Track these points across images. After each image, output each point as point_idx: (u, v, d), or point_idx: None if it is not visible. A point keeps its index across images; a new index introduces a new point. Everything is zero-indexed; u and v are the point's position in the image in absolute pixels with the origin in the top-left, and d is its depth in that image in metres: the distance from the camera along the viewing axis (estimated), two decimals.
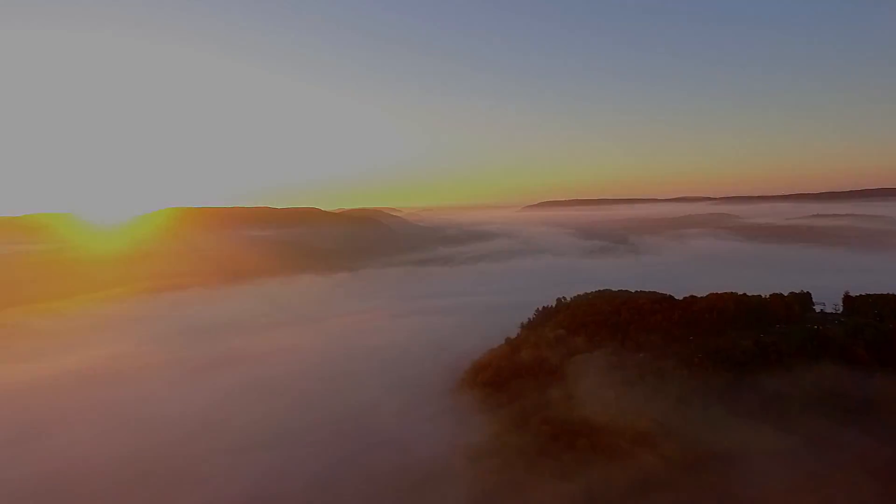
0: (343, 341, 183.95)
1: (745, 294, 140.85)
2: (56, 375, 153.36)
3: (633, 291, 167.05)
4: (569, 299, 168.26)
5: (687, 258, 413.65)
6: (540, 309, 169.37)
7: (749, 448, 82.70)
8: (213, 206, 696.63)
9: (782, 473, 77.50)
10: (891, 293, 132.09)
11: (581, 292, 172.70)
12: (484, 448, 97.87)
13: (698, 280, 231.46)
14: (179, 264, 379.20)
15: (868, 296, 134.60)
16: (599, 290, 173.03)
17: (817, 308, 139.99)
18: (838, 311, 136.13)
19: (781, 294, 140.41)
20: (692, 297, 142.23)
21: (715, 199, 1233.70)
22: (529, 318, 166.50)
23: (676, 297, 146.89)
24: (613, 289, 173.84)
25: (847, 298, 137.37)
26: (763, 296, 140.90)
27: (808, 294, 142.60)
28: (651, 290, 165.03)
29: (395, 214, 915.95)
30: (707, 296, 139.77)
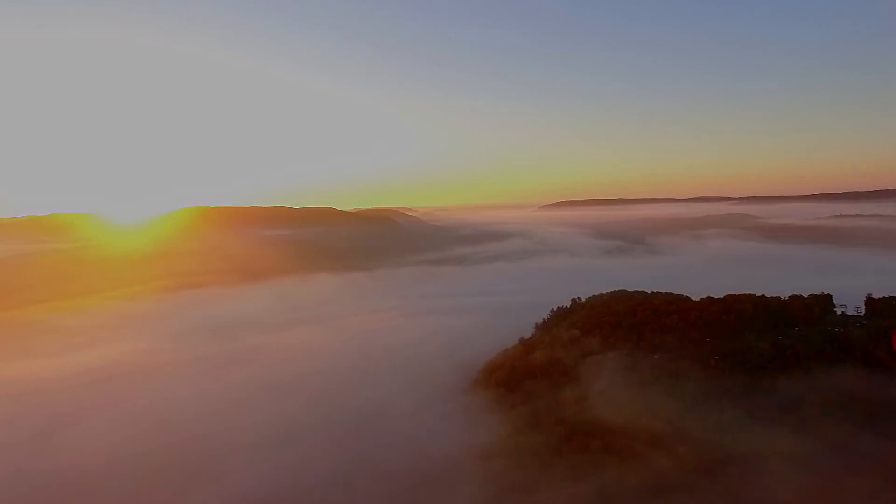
0: (357, 340, 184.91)
1: (763, 295, 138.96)
2: (77, 371, 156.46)
3: (648, 292, 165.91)
4: (584, 300, 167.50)
5: (705, 259, 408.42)
6: (555, 309, 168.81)
7: (766, 452, 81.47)
8: (231, 206, 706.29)
9: (799, 478, 76.21)
10: None
11: (596, 293, 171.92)
12: (497, 448, 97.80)
13: (716, 281, 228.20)
14: (197, 263, 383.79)
15: (891, 298, 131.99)
16: (615, 291, 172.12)
17: (838, 310, 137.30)
18: (860, 314, 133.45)
19: (801, 296, 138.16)
20: (709, 298, 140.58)
21: (734, 199, 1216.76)
22: (544, 319, 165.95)
23: (693, 299, 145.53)
24: (629, 289, 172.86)
25: (869, 300, 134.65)
26: (782, 297, 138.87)
27: (829, 296, 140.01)
28: (667, 291, 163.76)
29: (410, 214, 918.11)
30: (724, 297, 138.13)
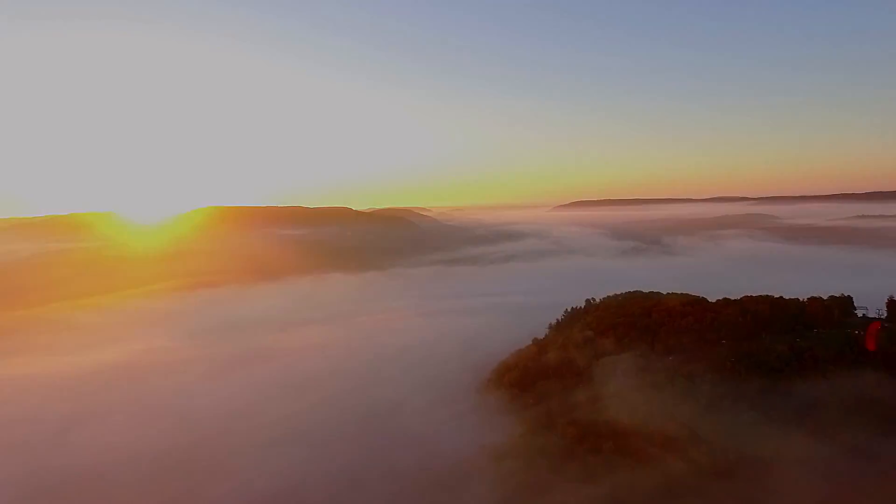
0: (371, 339, 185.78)
1: (781, 297, 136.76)
2: (96, 369, 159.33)
3: (664, 293, 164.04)
4: (598, 300, 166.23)
5: (722, 260, 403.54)
6: (568, 310, 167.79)
7: (782, 456, 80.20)
8: (247, 206, 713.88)
9: (816, 483, 74.95)
10: None
11: (611, 293, 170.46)
12: (509, 448, 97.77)
13: (733, 282, 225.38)
14: (214, 262, 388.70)
15: None
16: (629, 292, 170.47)
17: (859, 313, 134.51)
18: (882, 317, 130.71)
19: (820, 297, 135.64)
20: (725, 299, 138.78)
21: (753, 199, 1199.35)
22: (558, 319, 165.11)
23: (709, 300, 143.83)
24: (644, 290, 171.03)
25: (891, 303, 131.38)
26: (800, 299, 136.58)
27: (850, 298, 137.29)
28: (683, 293, 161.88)
29: (425, 214, 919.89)
30: (741, 298, 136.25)
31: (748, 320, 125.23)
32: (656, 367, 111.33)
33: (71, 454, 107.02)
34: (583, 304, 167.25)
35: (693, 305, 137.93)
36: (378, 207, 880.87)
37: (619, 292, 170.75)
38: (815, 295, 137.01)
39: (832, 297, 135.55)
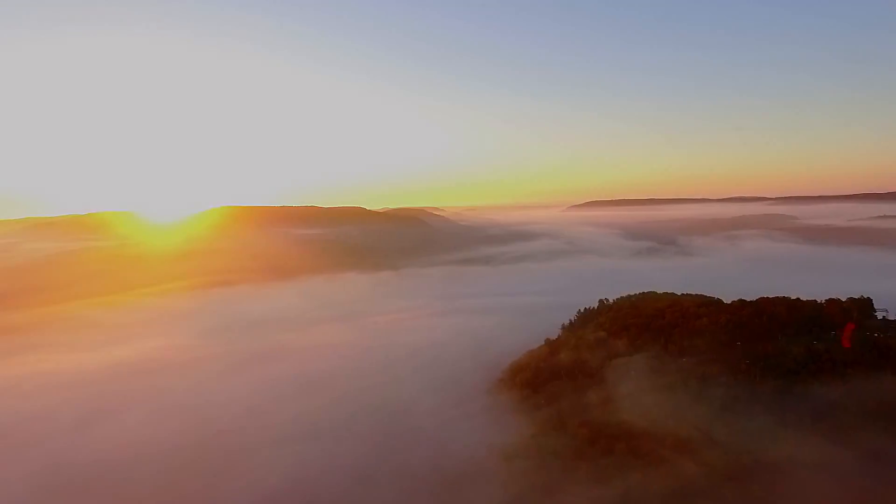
0: (384, 339, 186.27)
1: (798, 299, 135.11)
2: (113, 365, 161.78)
3: (678, 294, 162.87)
4: (611, 301, 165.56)
5: (738, 261, 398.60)
6: (581, 310, 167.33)
7: (798, 460, 79.01)
8: (262, 206, 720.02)
9: (833, 488, 73.70)
10: None
11: (625, 294, 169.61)
12: (520, 449, 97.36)
13: (749, 284, 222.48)
14: (229, 261, 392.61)
15: None
16: (643, 293, 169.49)
17: (879, 315, 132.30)
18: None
19: (839, 299, 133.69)
20: (741, 300, 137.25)
21: (771, 199, 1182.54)
22: (570, 320, 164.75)
23: (725, 301, 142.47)
24: (658, 291, 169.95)
25: None
26: (818, 301, 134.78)
27: (869, 300, 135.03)
28: (698, 294, 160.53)
29: (438, 214, 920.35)
30: (757, 300, 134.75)
31: (764, 322, 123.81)
32: (670, 369, 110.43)
33: (88, 450, 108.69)
34: (596, 305, 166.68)
35: (708, 306, 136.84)
36: (392, 207, 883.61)
37: (632, 293, 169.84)
38: (833, 296, 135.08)
39: (851, 299, 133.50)
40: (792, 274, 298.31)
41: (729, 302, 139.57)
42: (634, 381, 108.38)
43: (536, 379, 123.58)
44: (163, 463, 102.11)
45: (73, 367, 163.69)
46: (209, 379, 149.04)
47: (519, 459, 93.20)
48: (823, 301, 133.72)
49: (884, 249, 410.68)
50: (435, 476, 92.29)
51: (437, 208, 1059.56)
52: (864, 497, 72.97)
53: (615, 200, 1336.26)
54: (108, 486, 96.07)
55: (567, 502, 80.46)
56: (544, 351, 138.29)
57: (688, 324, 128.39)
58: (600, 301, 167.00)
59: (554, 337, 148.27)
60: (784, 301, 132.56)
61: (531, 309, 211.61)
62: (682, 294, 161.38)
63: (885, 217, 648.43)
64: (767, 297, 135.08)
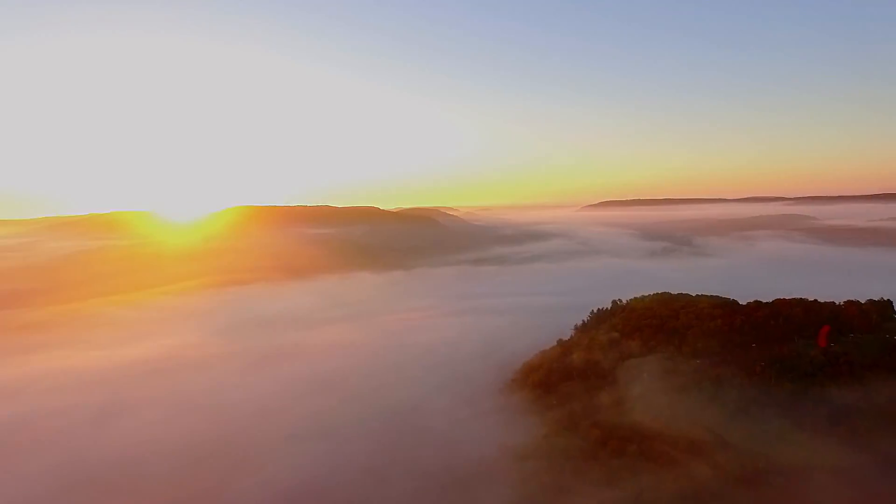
0: (396, 338, 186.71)
1: (815, 300, 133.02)
2: (130, 363, 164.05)
3: (693, 295, 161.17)
4: (625, 302, 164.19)
5: (755, 261, 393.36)
6: (594, 311, 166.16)
7: (813, 464, 77.98)
8: (277, 205, 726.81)
9: (849, 493, 72.64)
10: None
11: (638, 295, 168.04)
12: (531, 449, 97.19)
13: (766, 285, 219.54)
14: (244, 260, 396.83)
15: None
16: (657, 293, 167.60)
17: None
18: None
19: (858, 301, 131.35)
20: (756, 302, 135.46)
21: (789, 199, 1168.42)
22: (583, 321, 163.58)
23: (740, 302, 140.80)
24: (673, 292, 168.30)
25: None
26: (836, 303, 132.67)
27: (889, 302, 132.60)
28: (713, 295, 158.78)
29: (451, 214, 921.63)
30: (773, 301, 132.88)
31: (780, 324, 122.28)
32: (683, 370, 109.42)
33: (105, 446, 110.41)
34: (609, 306, 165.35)
35: (722, 308, 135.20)
36: (405, 207, 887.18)
37: (646, 293, 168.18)
38: (852, 298, 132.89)
39: (871, 301, 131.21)
40: (810, 275, 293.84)
41: (744, 303, 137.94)
42: (647, 383, 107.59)
43: (548, 379, 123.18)
44: (178, 459, 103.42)
45: (91, 364, 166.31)
46: (223, 377, 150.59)
47: (530, 460, 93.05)
48: (842, 303, 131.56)
49: None
50: (446, 476, 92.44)
51: (450, 208, 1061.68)
52: (878, 501, 71.81)
53: (630, 200, 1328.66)
54: (124, 482, 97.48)
55: None
56: (557, 351, 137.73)
57: (702, 325, 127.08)
58: (613, 302, 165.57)
59: (566, 337, 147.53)
60: (801, 303, 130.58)
61: (544, 309, 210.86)
62: (697, 295, 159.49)
63: None
64: (784, 299, 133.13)
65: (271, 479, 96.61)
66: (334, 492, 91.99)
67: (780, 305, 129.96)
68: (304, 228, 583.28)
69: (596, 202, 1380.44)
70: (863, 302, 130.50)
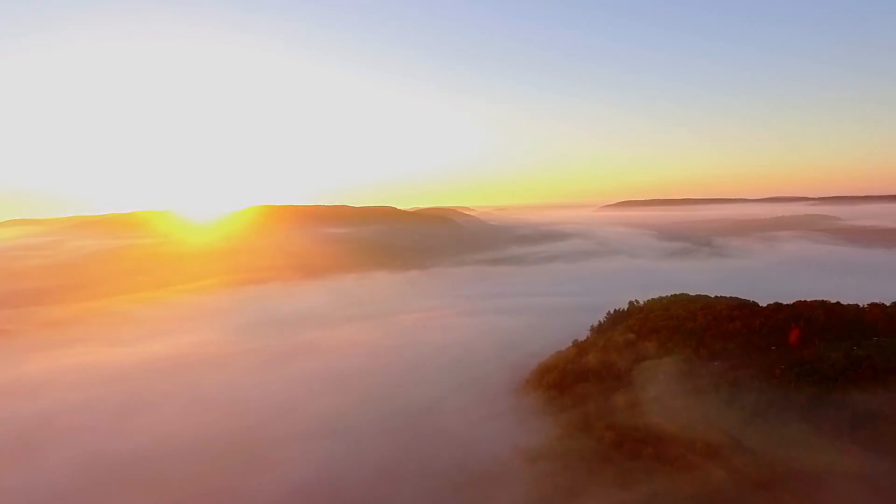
0: (411, 337, 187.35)
1: (838, 302, 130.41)
2: (150, 360, 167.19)
3: (711, 296, 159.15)
4: (642, 303, 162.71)
5: (777, 263, 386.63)
6: (611, 312, 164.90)
7: (833, 469, 76.41)
8: (295, 205, 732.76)
9: (870, 499, 71.19)
10: None
11: (656, 296, 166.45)
12: (545, 450, 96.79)
13: (787, 286, 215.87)
14: (262, 259, 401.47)
15: None
16: (675, 295, 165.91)
17: None
18: None
19: (882, 304, 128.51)
20: (777, 304, 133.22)
21: (812, 199, 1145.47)
22: (599, 321, 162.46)
23: (760, 304, 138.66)
24: (691, 293, 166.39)
25: None
26: (860, 305, 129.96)
27: None
28: (732, 296, 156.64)
29: (468, 213, 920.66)
30: (794, 303, 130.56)
31: (801, 326, 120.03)
32: (700, 373, 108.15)
33: (126, 440, 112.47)
34: (626, 307, 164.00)
35: (741, 309, 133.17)
36: (422, 207, 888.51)
37: (664, 295, 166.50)
38: (876, 301, 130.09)
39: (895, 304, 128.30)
40: (833, 277, 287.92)
41: (764, 305, 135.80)
42: (663, 385, 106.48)
43: (563, 380, 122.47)
44: (195, 454, 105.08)
45: (113, 360, 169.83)
46: (241, 374, 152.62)
47: (544, 461, 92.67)
48: (866, 305, 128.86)
49: None
50: (459, 475, 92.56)
51: (467, 208, 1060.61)
52: None
53: (649, 200, 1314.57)
54: (143, 476, 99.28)
55: None
56: (572, 352, 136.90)
57: (720, 327, 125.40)
58: (630, 303, 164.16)
59: (582, 338, 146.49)
60: (822, 305, 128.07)
61: (560, 310, 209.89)
62: (716, 296, 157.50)
63: None
64: (805, 301, 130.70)
65: (287, 476, 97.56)
66: (348, 490, 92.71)
67: (800, 308, 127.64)
68: (322, 228, 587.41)
69: (614, 202, 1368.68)
70: (888, 304, 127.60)
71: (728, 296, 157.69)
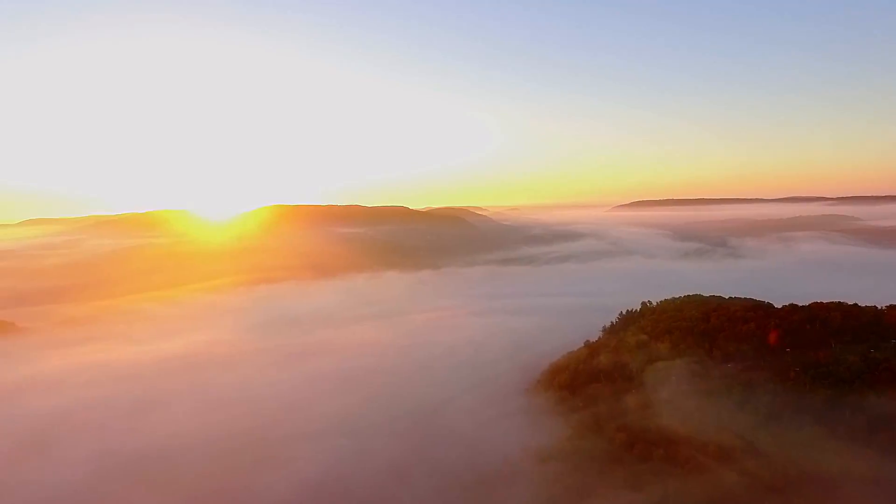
0: (422, 337, 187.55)
1: (855, 304, 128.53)
2: (165, 358, 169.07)
3: (725, 297, 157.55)
4: (655, 304, 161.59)
5: (793, 264, 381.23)
6: (623, 313, 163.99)
7: (848, 474, 75.03)
8: (309, 204, 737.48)
9: None
10: None
11: (669, 297, 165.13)
12: (555, 451, 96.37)
13: (803, 288, 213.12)
14: (275, 259, 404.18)
15: None
16: (689, 295, 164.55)
17: None
18: None
19: None
20: (792, 305, 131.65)
21: (831, 198, 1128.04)
22: (612, 322, 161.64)
23: (775, 306, 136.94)
24: (705, 294, 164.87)
25: None
26: (878, 307, 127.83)
27: None
28: (747, 297, 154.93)
29: (480, 213, 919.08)
30: (809, 305, 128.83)
31: (816, 328, 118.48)
32: (713, 374, 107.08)
33: (140, 437, 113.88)
34: (638, 307, 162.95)
35: (755, 311, 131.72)
36: (434, 206, 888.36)
37: (677, 295, 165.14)
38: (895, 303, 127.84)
39: None
40: (852, 278, 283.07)
41: (780, 306, 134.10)
42: (675, 386, 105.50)
43: (574, 381, 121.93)
44: (207, 452, 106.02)
45: (127, 358, 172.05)
46: (253, 373, 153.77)
47: (554, 461, 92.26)
48: (884, 307, 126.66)
49: None
50: (469, 475, 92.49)
51: (479, 208, 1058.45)
52: None
53: (663, 200, 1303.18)
54: (156, 472, 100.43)
55: None
56: (583, 353, 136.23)
57: (734, 328, 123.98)
58: (643, 303, 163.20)
59: (594, 339, 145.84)
60: (839, 307, 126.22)
61: (572, 310, 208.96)
62: (730, 297, 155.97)
63: None
64: (821, 303, 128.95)
65: (297, 474, 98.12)
66: (357, 489, 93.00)
67: (816, 309, 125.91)
68: (334, 227, 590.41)
69: (628, 202, 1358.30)
70: None
71: (743, 297, 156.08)
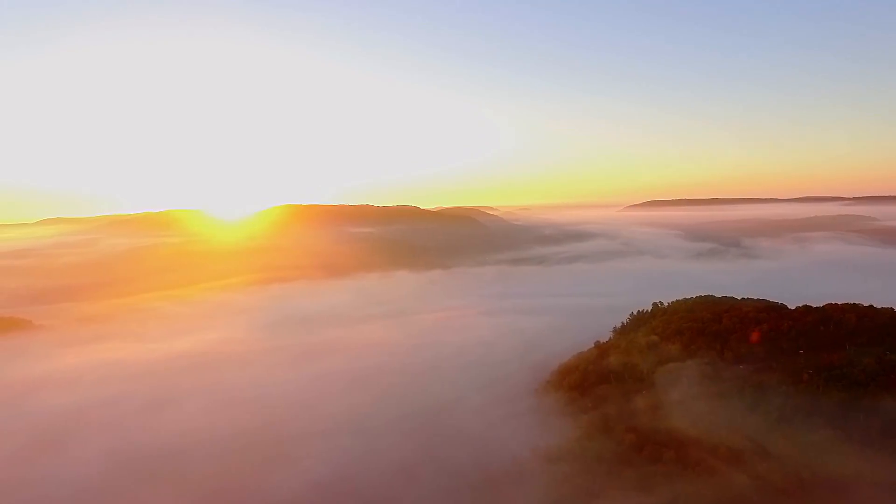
0: (432, 337, 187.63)
1: (871, 305, 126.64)
2: (177, 356, 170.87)
3: (738, 298, 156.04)
4: (666, 304, 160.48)
5: (808, 264, 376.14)
6: (634, 313, 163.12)
7: (861, 477, 74.10)
8: (320, 204, 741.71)
9: None
10: None
11: (681, 297, 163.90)
12: (564, 452, 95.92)
13: (818, 289, 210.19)
14: (287, 258, 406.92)
15: None
16: (701, 296, 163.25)
17: None
18: None
19: None
20: (806, 306, 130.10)
21: (847, 198, 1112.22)
22: (622, 323, 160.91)
23: (788, 307, 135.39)
24: (717, 295, 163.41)
25: None
26: (895, 308, 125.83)
27: None
28: (760, 298, 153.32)
29: (491, 213, 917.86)
30: (823, 306, 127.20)
31: (830, 330, 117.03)
32: (724, 376, 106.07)
33: (152, 434, 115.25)
34: (649, 308, 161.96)
35: (768, 312, 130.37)
36: (445, 206, 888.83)
37: (689, 296, 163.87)
38: None
39: None
40: (867, 279, 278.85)
41: (793, 308, 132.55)
42: (686, 388, 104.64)
43: (584, 382, 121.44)
44: (218, 449, 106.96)
45: (141, 356, 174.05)
46: (264, 371, 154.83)
47: (562, 462, 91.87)
48: None
49: None
50: (477, 475, 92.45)
51: (490, 208, 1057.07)
52: None
53: (676, 200, 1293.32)
54: (168, 469, 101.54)
55: None
56: (594, 353, 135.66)
57: (746, 329, 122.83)
58: (654, 304, 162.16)
59: (604, 339, 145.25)
60: (854, 308, 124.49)
61: (582, 310, 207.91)
62: (742, 298, 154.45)
63: None
64: (835, 304, 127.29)
65: (306, 472, 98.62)
66: (366, 487, 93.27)
67: (831, 311, 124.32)
68: (346, 227, 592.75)
69: (640, 202, 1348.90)
70: None
71: (755, 298, 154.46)
